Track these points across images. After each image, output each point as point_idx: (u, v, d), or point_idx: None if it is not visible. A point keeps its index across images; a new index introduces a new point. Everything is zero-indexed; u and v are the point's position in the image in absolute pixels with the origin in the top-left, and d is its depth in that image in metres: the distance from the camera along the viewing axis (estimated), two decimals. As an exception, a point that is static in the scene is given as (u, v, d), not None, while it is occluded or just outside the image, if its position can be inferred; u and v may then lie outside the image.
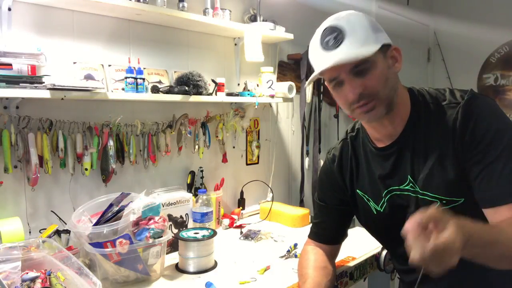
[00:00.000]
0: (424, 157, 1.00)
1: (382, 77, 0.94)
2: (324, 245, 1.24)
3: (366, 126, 1.10)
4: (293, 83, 2.18)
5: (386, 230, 1.14)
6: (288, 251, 1.59)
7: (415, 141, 1.01)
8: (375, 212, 1.12)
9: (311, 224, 1.34)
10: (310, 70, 2.52)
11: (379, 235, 1.23)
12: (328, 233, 1.25)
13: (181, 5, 1.78)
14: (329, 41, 0.92)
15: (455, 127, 0.95)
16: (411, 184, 1.02)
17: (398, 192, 1.06)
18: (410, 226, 0.72)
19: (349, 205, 1.20)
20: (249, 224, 2.03)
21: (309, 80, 1.01)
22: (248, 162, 2.33)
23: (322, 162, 2.53)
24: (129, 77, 1.59)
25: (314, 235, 1.27)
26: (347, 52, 0.90)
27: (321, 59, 0.95)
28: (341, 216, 1.24)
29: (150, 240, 1.33)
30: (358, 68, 0.92)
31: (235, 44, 2.18)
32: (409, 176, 1.02)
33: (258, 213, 2.19)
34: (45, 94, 1.33)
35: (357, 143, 1.15)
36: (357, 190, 1.15)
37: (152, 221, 1.37)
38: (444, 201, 0.97)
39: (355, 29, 0.92)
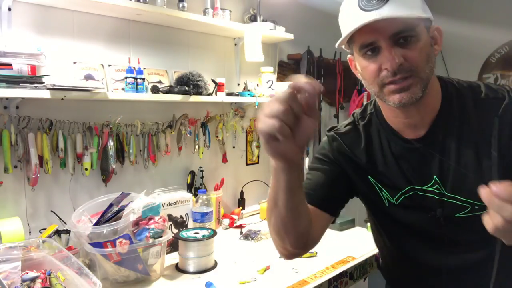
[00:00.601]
0: (456, 157, 0.88)
1: (425, 53, 0.82)
2: (312, 208, 0.98)
3: (387, 113, 0.95)
4: (293, 83, 2.17)
5: (393, 224, 1.01)
6: (288, 251, 1.58)
7: (446, 138, 0.89)
8: (386, 204, 0.98)
9: None
10: (310, 70, 2.52)
11: (383, 228, 1.07)
12: (317, 194, 1.00)
13: (181, 5, 1.78)
14: (371, 0, 0.79)
15: (503, 126, 0.83)
16: (437, 185, 0.91)
17: (421, 193, 0.93)
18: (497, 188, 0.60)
19: (346, 174, 1.03)
20: (249, 224, 2.03)
21: (340, 41, 0.86)
22: (248, 162, 2.33)
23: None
24: (129, 77, 1.59)
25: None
26: (394, 11, 0.77)
27: (356, 19, 0.80)
28: (334, 177, 1.02)
29: (150, 240, 1.33)
30: (402, 35, 0.79)
31: (235, 44, 2.18)
32: (435, 176, 0.90)
33: (258, 213, 2.19)
34: (45, 94, 1.33)
35: (372, 130, 1.00)
36: (369, 177, 0.99)
37: (152, 221, 1.37)
38: (476, 206, 0.87)
39: None
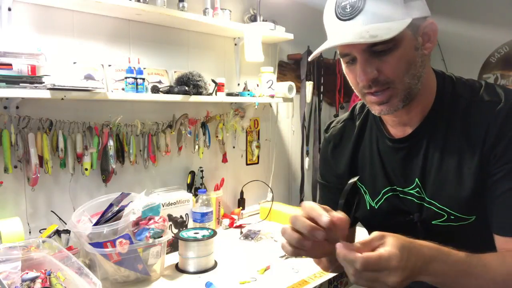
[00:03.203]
0: (439, 160, 0.83)
1: (405, 62, 0.77)
2: None
3: None
4: (293, 83, 2.18)
5: (377, 228, 0.99)
6: (288, 251, 1.58)
7: (431, 139, 0.85)
8: (368, 208, 0.98)
9: None
10: (310, 70, 2.52)
11: (368, 230, 1.09)
12: None
13: (181, 5, 1.78)
14: (345, 8, 0.76)
15: (488, 132, 0.77)
16: (417, 188, 0.87)
17: (401, 195, 0.91)
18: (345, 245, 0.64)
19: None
20: (249, 224, 2.03)
21: (314, 53, 0.83)
22: (248, 162, 2.33)
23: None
24: (129, 77, 1.59)
25: None
26: (363, 27, 0.74)
27: (333, 29, 0.80)
28: (339, 189, 1.04)
29: (150, 240, 1.33)
30: (376, 47, 0.75)
31: (235, 44, 2.18)
32: (417, 179, 0.87)
33: (258, 213, 2.19)
34: (45, 94, 1.33)
35: (365, 126, 0.98)
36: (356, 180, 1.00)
37: (152, 221, 1.37)
38: (452, 216, 0.83)
39: None
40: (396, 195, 0.91)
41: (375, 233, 0.67)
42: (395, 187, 0.91)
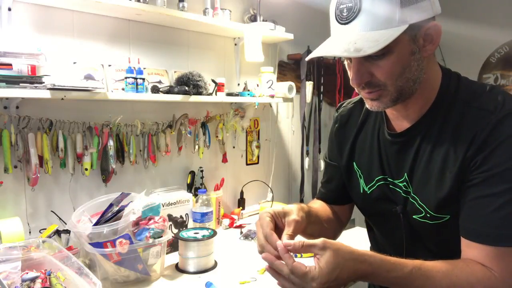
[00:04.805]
0: (427, 159, 0.86)
1: (398, 66, 0.78)
2: (332, 205, 1.13)
3: None
4: (293, 83, 2.18)
5: (368, 212, 1.07)
6: (288, 251, 1.59)
7: (424, 138, 0.87)
8: (361, 191, 1.02)
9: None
10: (310, 70, 2.52)
11: (361, 212, 1.14)
12: (335, 195, 1.12)
13: (181, 5, 1.78)
14: (343, 11, 0.77)
15: (474, 140, 0.79)
16: (405, 183, 0.91)
17: (391, 186, 0.95)
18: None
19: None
20: (249, 224, 2.03)
21: (308, 57, 0.86)
22: (248, 162, 2.33)
23: (322, 162, 2.54)
24: (129, 77, 1.59)
25: (321, 195, 1.16)
26: (352, 37, 0.75)
27: (332, 31, 0.82)
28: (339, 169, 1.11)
29: (150, 240, 1.33)
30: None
31: (235, 44, 2.18)
32: (406, 173, 0.90)
33: (258, 213, 2.19)
34: (45, 94, 1.33)
35: (371, 112, 0.99)
36: (354, 163, 1.04)
37: (152, 221, 1.37)
38: (428, 215, 0.87)
39: (376, 0, 0.74)
40: (387, 185, 0.95)
41: (319, 241, 0.74)
42: (387, 177, 0.95)
